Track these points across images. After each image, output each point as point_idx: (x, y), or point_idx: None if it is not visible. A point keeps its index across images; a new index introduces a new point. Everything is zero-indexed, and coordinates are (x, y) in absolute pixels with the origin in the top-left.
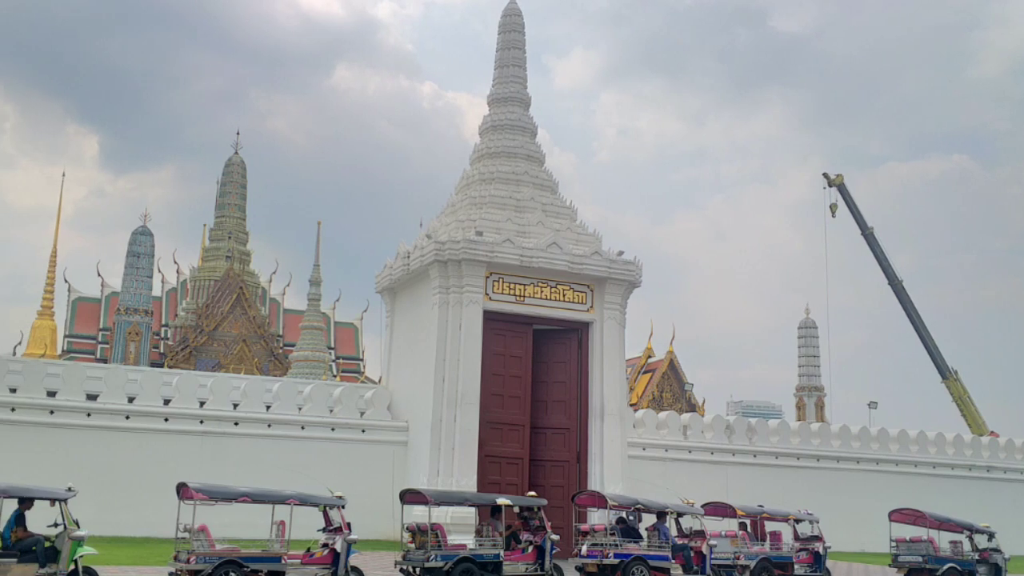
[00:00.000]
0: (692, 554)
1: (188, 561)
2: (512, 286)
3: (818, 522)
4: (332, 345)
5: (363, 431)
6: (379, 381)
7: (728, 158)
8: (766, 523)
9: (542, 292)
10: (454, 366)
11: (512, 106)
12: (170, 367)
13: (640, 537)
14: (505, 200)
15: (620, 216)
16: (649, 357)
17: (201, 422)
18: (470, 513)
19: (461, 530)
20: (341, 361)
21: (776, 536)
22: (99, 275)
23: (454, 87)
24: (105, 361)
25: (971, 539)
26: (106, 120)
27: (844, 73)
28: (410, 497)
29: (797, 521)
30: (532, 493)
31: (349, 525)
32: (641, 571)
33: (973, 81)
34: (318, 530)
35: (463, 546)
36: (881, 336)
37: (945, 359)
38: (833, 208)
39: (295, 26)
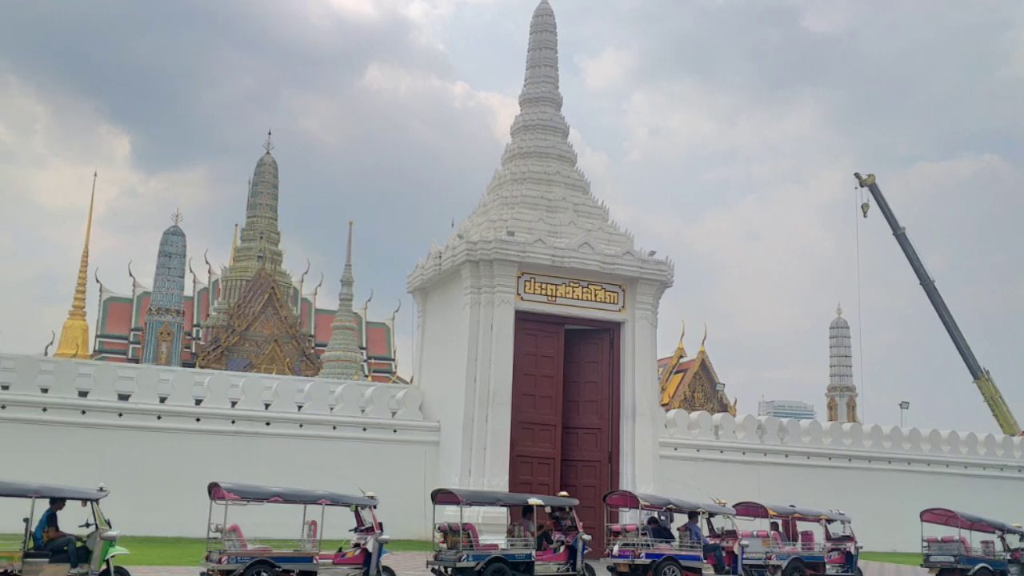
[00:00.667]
0: (724, 554)
1: (220, 561)
2: (544, 286)
3: (850, 522)
4: (364, 345)
5: (395, 431)
6: (411, 381)
7: (759, 158)
8: (798, 523)
9: (574, 292)
10: (486, 366)
11: (544, 106)
12: (202, 367)
13: (672, 537)
14: (537, 200)
15: (651, 216)
16: (681, 357)
17: (233, 422)
18: (502, 513)
19: (493, 530)
20: (373, 361)
21: (808, 536)
22: (131, 275)
23: (486, 87)
24: (137, 361)
25: (1003, 539)
26: (138, 120)
27: (875, 73)
28: (442, 497)
29: (829, 521)
30: (564, 493)
31: (381, 525)
32: (673, 571)
33: (1005, 81)
34: (350, 530)
35: (495, 546)
36: (913, 336)
37: (977, 359)
38: (865, 208)
39: (327, 26)
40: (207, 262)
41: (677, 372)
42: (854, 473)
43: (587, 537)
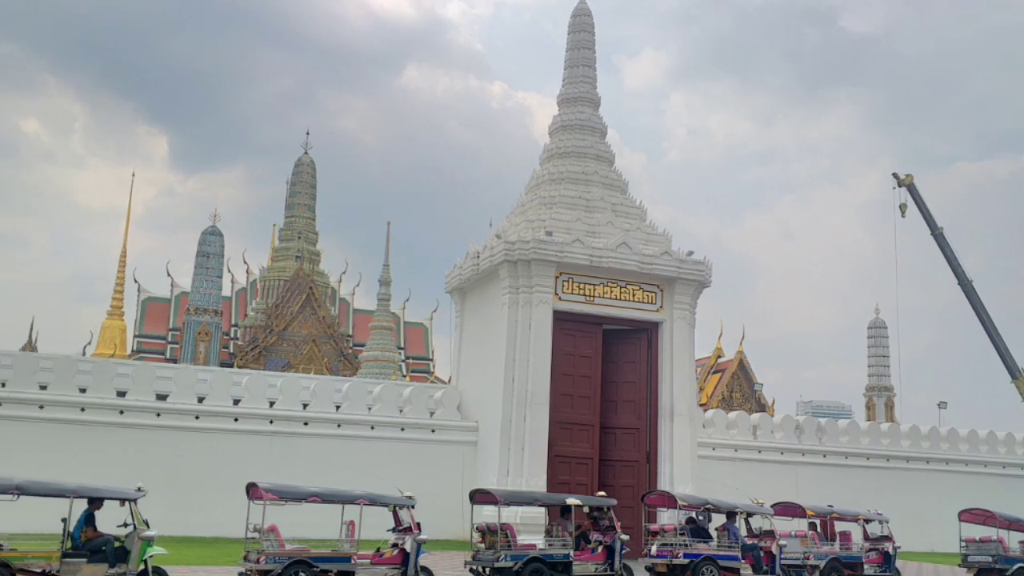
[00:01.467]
0: (762, 554)
1: (258, 561)
2: (582, 286)
3: (888, 522)
4: (402, 345)
5: (433, 431)
6: (449, 381)
7: (797, 158)
8: (836, 523)
9: (612, 292)
10: (524, 366)
11: (582, 106)
12: (240, 367)
13: (710, 537)
14: (575, 200)
15: (689, 216)
16: (719, 357)
17: (271, 422)
18: (540, 513)
19: (531, 530)
20: (411, 361)
21: (846, 536)
22: (169, 275)
23: (524, 87)
24: (175, 361)
25: None
26: (176, 120)
27: (914, 73)
28: (480, 497)
29: (867, 521)
30: (602, 493)
31: (419, 525)
32: (711, 571)
33: None
34: (388, 530)
35: (533, 546)
36: (951, 336)
37: (1015, 359)
38: (903, 208)
39: (365, 26)
40: (245, 262)
41: (715, 372)
42: (892, 473)
43: (625, 537)
